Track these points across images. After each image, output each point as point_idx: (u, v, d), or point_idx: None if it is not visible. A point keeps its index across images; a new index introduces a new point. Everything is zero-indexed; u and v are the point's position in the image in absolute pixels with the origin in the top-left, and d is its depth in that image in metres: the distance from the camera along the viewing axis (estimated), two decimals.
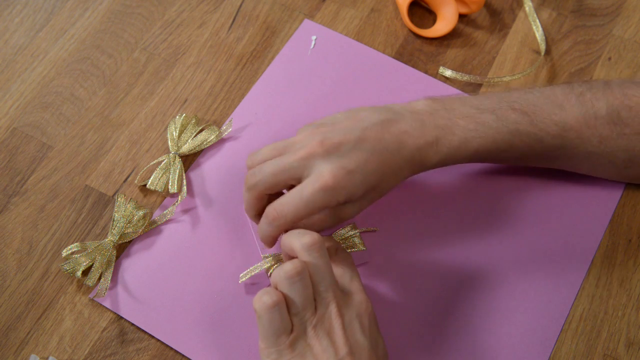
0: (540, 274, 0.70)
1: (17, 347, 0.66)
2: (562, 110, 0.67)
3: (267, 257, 0.68)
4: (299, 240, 0.59)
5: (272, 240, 0.65)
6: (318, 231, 0.62)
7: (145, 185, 0.73)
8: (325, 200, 0.61)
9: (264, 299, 0.57)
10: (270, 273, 0.68)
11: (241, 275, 0.68)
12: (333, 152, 0.62)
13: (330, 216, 0.64)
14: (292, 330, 0.57)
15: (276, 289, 0.58)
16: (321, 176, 0.61)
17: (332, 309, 0.58)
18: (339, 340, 0.57)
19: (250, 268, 0.68)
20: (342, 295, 0.59)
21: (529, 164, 0.72)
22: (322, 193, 0.61)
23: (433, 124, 0.66)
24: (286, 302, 0.57)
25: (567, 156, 0.69)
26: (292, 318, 0.57)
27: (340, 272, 0.61)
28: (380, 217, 0.72)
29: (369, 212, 0.72)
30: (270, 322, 0.57)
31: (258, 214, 0.66)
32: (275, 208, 0.62)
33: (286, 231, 0.63)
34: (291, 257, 0.61)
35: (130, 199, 0.71)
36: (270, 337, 0.57)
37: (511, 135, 0.67)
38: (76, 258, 0.68)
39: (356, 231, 0.70)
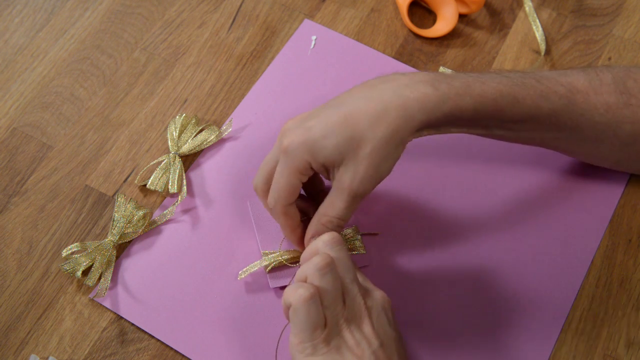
0: (540, 274, 0.70)
1: (17, 347, 0.66)
2: (567, 75, 0.67)
3: (266, 254, 0.68)
4: (320, 239, 0.60)
5: (294, 234, 0.66)
6: (341, 218, 0.63)
7: (145, 185, 0.73)
8: (292, 161, 0.61)
9: (300, 291, 0.56)
10: (269, 270, 0.68)
11: (240, 272, 0.68)
12: (303, 119, 0.63)
13: (337, 195, 0.62)
14: (325, 324, 0.57)
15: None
16: (283, 140, 0.62)
17: (360, 301, 0.58)
18: (370, 332, 0.57)
19: (249, 265, 0.68)
20: (365, 291, 0.60)
21: (535, 134, 0.68)
22: (284, 156, 0.61)
23: (427, 75, 0.62)
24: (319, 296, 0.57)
25: (574, 125, 0.67)
26: (324, 311, 0.57)
27: None
28: (380, 221, 0.72)
29: (370, 215, 0.72)
30: (307, 315, 0.56)
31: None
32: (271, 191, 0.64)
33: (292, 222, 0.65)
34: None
35: (130, 199, 0.71)
36: (306, 331, 0.57)
37: (517, 88, 0.63)
38: (76, 258, 0.68)
39: (358, 234, 0.70)
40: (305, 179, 0.63)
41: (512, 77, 0.64)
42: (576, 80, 0.66)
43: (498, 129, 0.66)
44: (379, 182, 0.62)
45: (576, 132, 0.68)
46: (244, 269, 0.68)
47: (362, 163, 0.60)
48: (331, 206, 0.63)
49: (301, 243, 0.66)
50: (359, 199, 0.62)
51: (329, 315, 0.57)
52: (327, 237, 0.60)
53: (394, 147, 0.61)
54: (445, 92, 0.60)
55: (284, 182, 0.62)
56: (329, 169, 0.62)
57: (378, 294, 0.60)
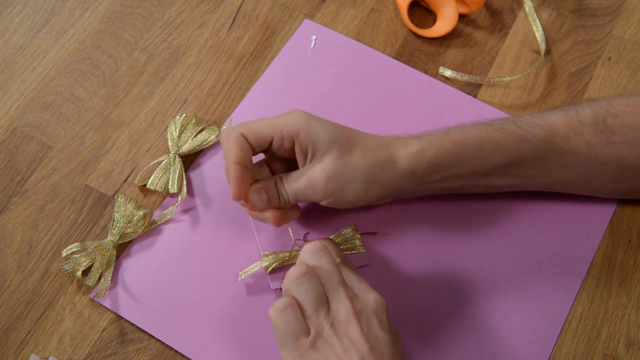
0: (540, 274, 0.70)
1: (17, 347, 0.66)
2: (546, 118, 0.68)
3: (266, 255, 0.68)
4: (303, 250, 0.61)
5: (254, 203, 0.66)
6: (289, 199, 0.64)
7: (145, 185, 0.73)
8: (287, 122, 0.64)
9: (275, 304, 0.58)
10: (270, 271, 0.68)
11: (240, 273, 0.68)
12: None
13: (302, 176, 0.64)
14: (309, 332, 0.58)
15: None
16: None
17: (347, 306, 0.58)
18: (359, 337, 0.57)
19: (250, 266, 0.68)
20: (355, 294, 0.60)
21: (523, 179, 0.69)
22: (284, 114, 0.66)
23: (409, 136, 0.67)
24: (300, 306, 0.58)
25: (559, 166, 0.68)
26: (307, 321, 0.58)
27: (347, 276, 0.61)
28: (379, 220, 0.72)
29: (369, 214, 0.72)
30: (285, 324, 0.57)
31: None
32: None
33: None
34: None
35: (130, 199, 0.71)
36: (289, 340, 0.57)
37: (498, 133, 0.66)
38: (76, 258, 0.68)
39: (357, 233, 0.70)
40: (276, 145, 0.65)
41: (492, 124, 0.67)
42: (556, 122, 0.67)
43: (485, 177, 0.68)
44: (339, 201, 0.64)
45: (563, 172, 0.68)
46: (244, 270, 0.68)
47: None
48: (292, 181, 0.64)
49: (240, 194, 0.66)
50: (309, 191, 0.64)
51: (312, 323, 0.58)
52: (309, 246, 0.61)
53: (377, 174, 0.64)
54: (427, 141, 0.65)
55: (263, 125, 0.64)
56: (309, 154, 0.64)
57: (370, 297, 0.60)
